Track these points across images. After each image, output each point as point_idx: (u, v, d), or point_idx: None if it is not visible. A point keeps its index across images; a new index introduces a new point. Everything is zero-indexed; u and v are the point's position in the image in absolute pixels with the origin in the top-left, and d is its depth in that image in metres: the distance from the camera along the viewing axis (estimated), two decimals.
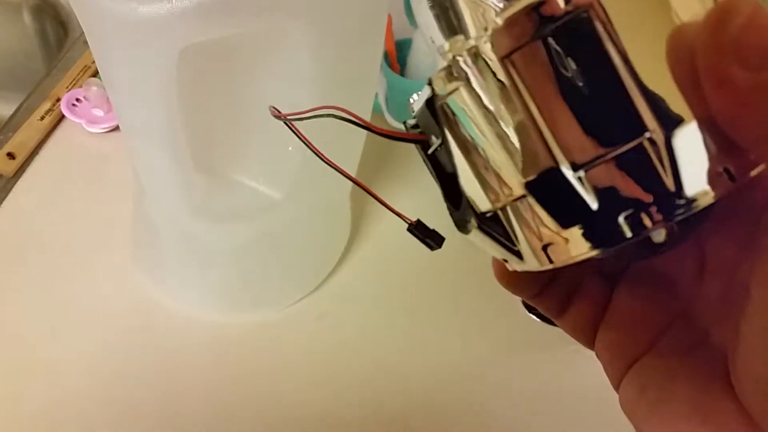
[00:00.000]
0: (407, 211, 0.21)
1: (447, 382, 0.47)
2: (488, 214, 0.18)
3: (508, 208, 0.18)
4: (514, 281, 0.22)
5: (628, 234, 0.16)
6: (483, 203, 0.18)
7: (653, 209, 0.15)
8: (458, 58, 0.17)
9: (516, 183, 0.17)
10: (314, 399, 0.45)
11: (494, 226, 0.18)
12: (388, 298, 0.51)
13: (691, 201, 0.15)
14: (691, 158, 0.15)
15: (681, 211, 0.15)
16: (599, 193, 0.16)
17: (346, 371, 0.47)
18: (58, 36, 0.78)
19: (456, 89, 0.17)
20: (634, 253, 0.19)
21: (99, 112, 0.59)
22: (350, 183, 0.49)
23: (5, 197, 0.55)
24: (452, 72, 0.17)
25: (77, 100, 0.60)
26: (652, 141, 0.15)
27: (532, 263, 0.18)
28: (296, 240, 0.47)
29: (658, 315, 0.20)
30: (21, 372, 0.44)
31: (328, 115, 0.24)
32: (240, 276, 0.46)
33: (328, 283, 0.51)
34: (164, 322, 0.48)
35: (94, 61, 0.65)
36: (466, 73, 0.17)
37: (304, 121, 0.24)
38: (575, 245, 0.16)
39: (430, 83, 0.19)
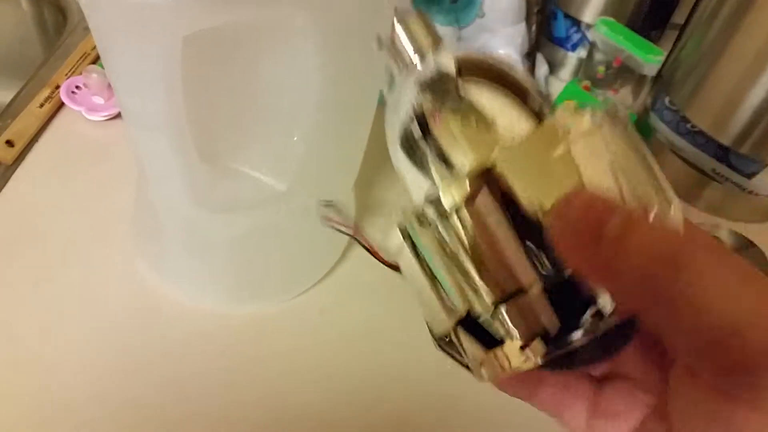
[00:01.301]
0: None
1: (450, 377, 0.46)
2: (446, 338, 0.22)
3: (455, 335, 0.21)
4: (503, 385, 0.24)
5: (534, 360, 0.20)
6: (438, 328, 0.22)
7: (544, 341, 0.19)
8: (426, 209, 0.21)
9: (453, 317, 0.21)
10: (315, 393, 0.45)
11: (450, 347, 0.22)
12: (391, 292, 0.50)
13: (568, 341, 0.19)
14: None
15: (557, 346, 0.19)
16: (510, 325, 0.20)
17: (348, 365, 0.46)
18: (56, 22, 0.77)
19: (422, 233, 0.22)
20: (562, 365, 0.21)
21: (99, 100, 0.59)
22: (353, 175, 0.49)
23: (4, 185, 0.54)
24: (421, 219, 0.22)
25: (77, 87, 0.60)
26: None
27: (478, 377, 0.21)
28: (299, 232, 0.46)
29: (635, 410, 0.23)
30: (17, 367, 0.44)
31: None
32: (242, 267, 0.46)
33: (330, 277, 0.51)
34: (166, 313, 0.47)
35: (93, 48, 0.64)
36: (431, 223, 0.21)
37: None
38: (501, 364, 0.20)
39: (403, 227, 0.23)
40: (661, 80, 0.63)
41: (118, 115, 0.59)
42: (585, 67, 0.66)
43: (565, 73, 0.70)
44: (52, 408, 0.42)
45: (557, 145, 0.19)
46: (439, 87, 0.23)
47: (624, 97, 0.65)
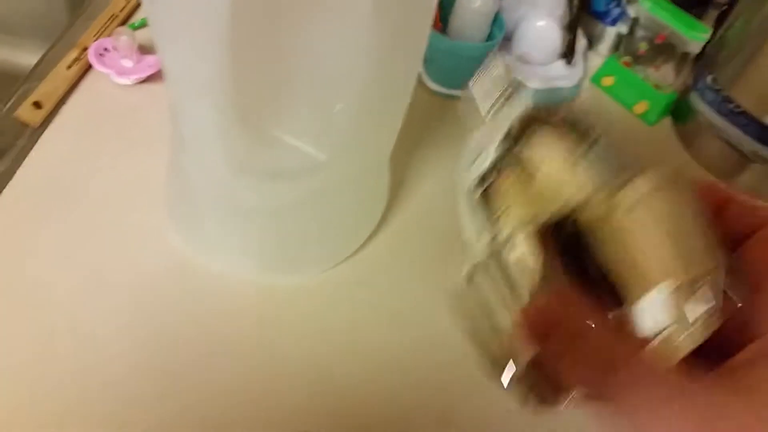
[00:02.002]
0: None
1: None
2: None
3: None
4: None
5: None
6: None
7: None
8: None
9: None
10: (350, 365, 0.44)
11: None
12: (427, 265, 0.49)
13: None
14: None
15: None
16: None
17: (382, 339, 0.46)
18: None
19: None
20: None
21: (128, 63, 0.57)
22: (391, 146, 0.47)
23: (32, 147, 0.53)
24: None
25: (105, 49, 0.58)
26: None
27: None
28: (336, 203, 0.45)
29: None
30: (50, 334, 0.43)
31: None
32: (278, 237, 0.45)
33: (365, 249, 0.50)
34: (199, 281, 0.46)
35: (122, 9, 0.63)
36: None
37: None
38: None
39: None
40: (705, 59, 0.61)
41: (147, 79, 0.57)
42: (626, 43, 0.65)
43: (604, 47, 0.68)
44: (86, 373, 0.42)
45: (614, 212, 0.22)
46: (502, 146, 0.26)
47: (665, 75, 0.63)
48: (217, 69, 0.32)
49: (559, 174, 0.24)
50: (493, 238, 0.25)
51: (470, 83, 0.28)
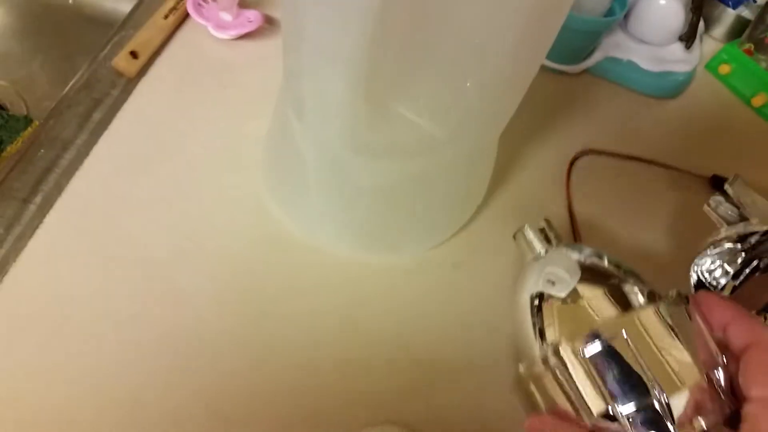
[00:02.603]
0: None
1: None
2: None
3: None
4: None
5: None
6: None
7: None
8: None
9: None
10: (445, 345, 0.43)
11: None
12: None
13: None
14: None
15: None
16: None
17: (480, 322, 0.44)
18: None
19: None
20: None
21: (227, 17, 0.55)
22: (505, 125, 0.45)
23: (127, 98, 0.51)
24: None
25: (204, 0, 0.56)
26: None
27: None
28: (444, 183, 0.43)
29: None
30: (145, 293, 0.42)
31: None
32: (384, 215, 0.43)
33: (465, 231, 0.48)
34: (295, 253, 0.45)
35: None
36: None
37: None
38: None
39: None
40: None
41: (245, 36, 0.55)
42: (751, 29, 0.60)
43: (720, 31, 0.64)
44: (179, 335, 0.41)
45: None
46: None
47: None
48: (362, 39, 0.29)
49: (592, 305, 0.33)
50: (541, 348, 0.33)
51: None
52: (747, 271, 0.40)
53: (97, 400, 0.38)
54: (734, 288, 0.42)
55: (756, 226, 0.40)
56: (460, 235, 0.48)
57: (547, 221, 0.42)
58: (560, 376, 0.31)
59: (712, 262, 0.40)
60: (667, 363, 0.29)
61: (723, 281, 0.42)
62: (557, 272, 0.35)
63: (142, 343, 0.40)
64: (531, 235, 0.40)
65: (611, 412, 0.29)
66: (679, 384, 0.29)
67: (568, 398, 0.31)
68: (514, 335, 0.36)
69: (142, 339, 0.41)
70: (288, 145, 0.42)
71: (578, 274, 0.34)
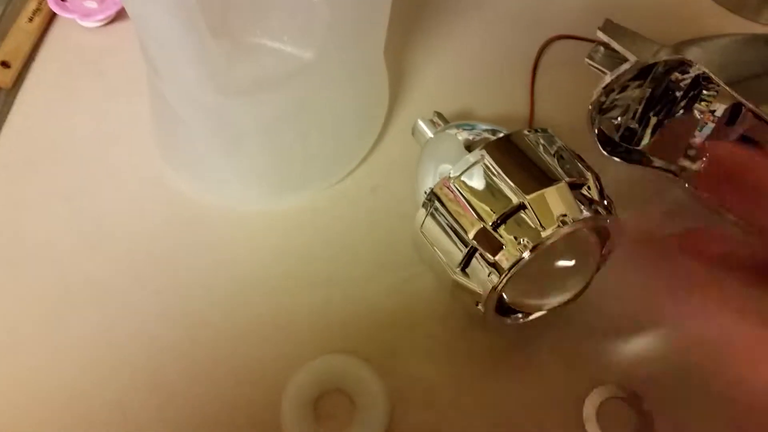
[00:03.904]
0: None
1: None
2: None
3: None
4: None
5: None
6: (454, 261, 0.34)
7: None
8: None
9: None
10: (378, 270, 0.42)
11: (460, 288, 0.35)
12: None
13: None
14: None
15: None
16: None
17: (408, 240, 0.43)
18: None
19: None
20: None
21: (92, 4, 0.53)
22: (382, 39, 0.43)
23: (9, 111, 0.50)
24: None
25: None
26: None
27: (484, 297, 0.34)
28: (333, 106, 0.42)
29: None
30: (61, 291, 0.41)
31: None
32: (278, 154, 0.42)
33: (375, 153, 0.47)
34: (205, 218, 0.44)
35: None
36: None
37: None
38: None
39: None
40: None
41: (115, 18, 0.53)
42: None
43: None
44: (101, 330, 0.40)
45: None
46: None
47: None
48: None
49: None
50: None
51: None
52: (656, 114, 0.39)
53: (11, 398, 0.38)
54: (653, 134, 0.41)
55: (645, 59, 0.38)
56: (371, 158, 0.46)
57: (438, 113, 0.41)
58: (440, 215, 0.34)
59: (614, 110, 0.39)
60: (531, 176, 0.32)
61: (634, 136, 0.41)
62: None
63: (68, 335, 0.40)
64: (421, 125, 0.40)
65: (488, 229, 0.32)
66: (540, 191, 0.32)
67: (452, 233, 0.33)
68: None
69: (68, 331, 0.40)
70: (163, 107, 0.41)
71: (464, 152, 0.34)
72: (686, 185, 0.42)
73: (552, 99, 0.48)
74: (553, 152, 0.34)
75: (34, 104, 0.50)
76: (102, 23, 0.53)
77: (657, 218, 0.44)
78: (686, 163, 0.42)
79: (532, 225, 0.31)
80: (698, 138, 0.41)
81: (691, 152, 0.42)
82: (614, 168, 0.40)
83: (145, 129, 0.47)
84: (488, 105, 0.48)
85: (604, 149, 0.40)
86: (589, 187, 0.33)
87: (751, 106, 0.37)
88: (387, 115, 0.47)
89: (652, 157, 0.42)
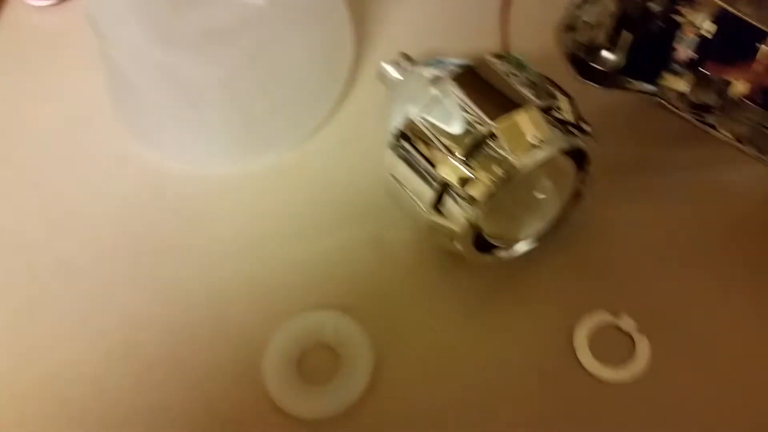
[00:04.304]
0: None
1: None
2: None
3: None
4: None
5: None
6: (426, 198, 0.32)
7: None
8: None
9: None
10: (351, 225, 0.40)
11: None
12: None
13: None
14: None
15: None
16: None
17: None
18: None
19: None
20: None
21: None
22: None
23: None
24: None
25: None
26: None
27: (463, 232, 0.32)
28: (291, 55, 0.40)
29: None
30: (33, 274, 0.40)
31: None
32: (239, 111, 0.40)
33: (345, 106, 0.45)
34: (174, 185, 0.42)
35: None
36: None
37: None
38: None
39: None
40: None
41: None
42: None
43: None
44: (70, 306, 0.39)
45: None
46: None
47: None
48: None
49: None
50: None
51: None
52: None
53: None
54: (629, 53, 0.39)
55: None
56: (340, 112, 0.45)
57: (403, 54, 0.40)
58: (409, 155, 0.32)
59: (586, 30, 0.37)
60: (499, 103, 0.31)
61: (608, 56, 0.39)
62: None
63: (48, 321, 0.39)
64: (386, 68, 0.38)
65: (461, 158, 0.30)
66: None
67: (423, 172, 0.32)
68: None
69: (36, 320, 0.39)
70: (118, 77, 0.39)
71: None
72: (673, 107, 0.40)
73: (525, 30, 0.45)
74: (522, 78, 0.32)
75: None
76: (53, 2, 0.51)
77: (639, 145, 0.42)
78: (670, 82, 0.40)
79: (504, 153, 0.30)
80: (682, 53, 0.39)
81: (677, 68, 0.40)
82: (594, 95, 0.39)
83: (105, 104, 0.45)
84: (459, 42, 0.45)
85: (577, 74, 0.39)
86: (561, 109, 0.32)
87: (733, 10, 0.35)
88: (354, 63, 0.46)
89: (630, 79, 0.40)
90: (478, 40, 0.46)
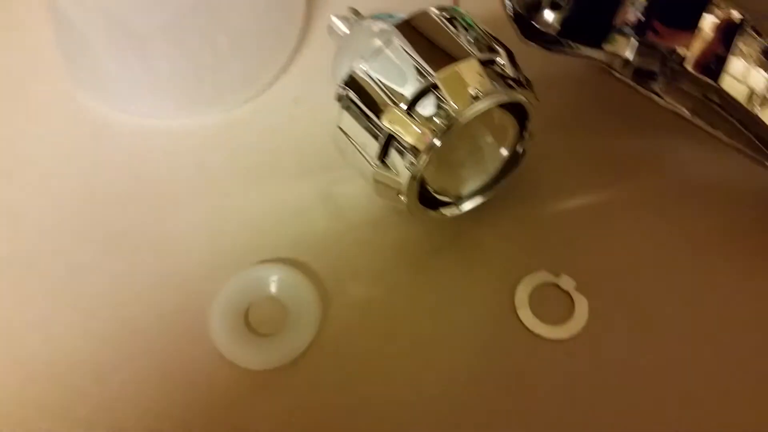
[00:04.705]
0: None
1: None
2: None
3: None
4: None
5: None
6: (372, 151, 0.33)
7: None
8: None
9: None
10: (308, 178, 0.41)
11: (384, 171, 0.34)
12: None
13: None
14: None
15: None
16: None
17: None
18: None
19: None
20: None
21: None
22: None
23: None
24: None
25: None
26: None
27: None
28: (241, 5, 0.40)
29: None
30: None
31: None
32: (187, 60, 0.40)
33: (296, 63, 0.45)
34: (122, 138, 0.42)
35: None
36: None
37: None
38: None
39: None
40: None
41: None
42: None
43: None
44: (22, 256, 0.39)
45: None
46: None
47: None
48: None
49: None
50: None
51: None
52: None
53: None
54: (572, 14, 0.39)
55: None
56: (294, 68, 0.45)
57: (352, 8, 0.40)
58: (354, 106, 0.33)
59: None
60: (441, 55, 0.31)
61: (550, 16, 0.39)
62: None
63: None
64: (336, 22, 0.39)
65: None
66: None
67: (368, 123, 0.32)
68: None
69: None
70: (64, 22, 0.39)
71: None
72: (618, 75, 0.41)
73: None
74: (463, 31, 0.33)
75: None
76: None
77: (582, 109, 0.43)
78: (615, 46, 0.40)
79: (445, 104, 0.30)
80: (632, 14, 0.39)
81: (622, 31, 0.40)
82: (539, 57, 0.39)
83: (53, 56, 0.45)
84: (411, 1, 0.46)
85: (521, 34, 0.39)
86: (503, 64, 0.32)
87: None
88: (305, 19, 0.46)
89: (574, 43, 0.41)
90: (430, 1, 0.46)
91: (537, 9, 0.39)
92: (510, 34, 0.38)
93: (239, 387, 0.35)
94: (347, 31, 0.39)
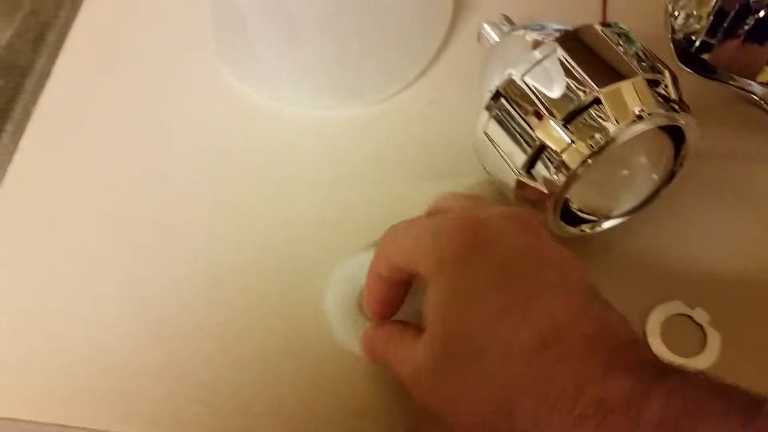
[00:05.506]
0: None
1: None
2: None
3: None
4: None
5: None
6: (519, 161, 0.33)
7: None
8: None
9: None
10: (437, 178, 0.41)
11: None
12: None
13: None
14: None
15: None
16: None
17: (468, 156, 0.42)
18: None
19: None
20: None
21: None
22: None
23: (75, 16, 0.50)
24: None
25: None
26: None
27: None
28: (392, 3, 0.41)
29: None
30: (132, 185, 0.42)
31: None
32: (334, 50, 0.41)
33: (435, 67, 0.45)
34: (261, 120, 0.44)
35: None
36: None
37: None
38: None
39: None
40: None
41: None
42: None
43: None
44: (165, 218, 0.41)
45: None
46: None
47: None
48: None
49: None
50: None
51: None
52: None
53: (77, 335, 0.38)
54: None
55: None
56: (433, 71, 0.45)
57: (504, 16, 0.40)
58: (505, 114, 0.33)
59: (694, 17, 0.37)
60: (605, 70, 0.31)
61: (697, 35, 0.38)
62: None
63: (135, 215, 0.41)
64: (487, 29, 0.38)
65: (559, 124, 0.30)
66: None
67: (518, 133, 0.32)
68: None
69: (135, 212, 0.41)
70: (225, 5, 0.40)
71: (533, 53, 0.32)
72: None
73: (626, 5, 0.45)
74: (627, 48, 0.32)
75: (98, 11, 0.50)
76: None
77: (729, 139, 0.42)
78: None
79: (605, 121, 0.30)
80: None
81: None
82: (691, 83, 0.38)
83: (205, 32, 0.47)
84: (558, 8, 0.46)
85: (680, 60, 0.38)
86: (666, 86, 0.32)
87: None
88: (450, 23, 0.46)
89: (730, 74, 0.40)
90: (577, 12, 0.46)
91: (696, 39, 0.38)
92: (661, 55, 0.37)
93: (351, 373, 0.35)
94: (497, 39, 0.39)
